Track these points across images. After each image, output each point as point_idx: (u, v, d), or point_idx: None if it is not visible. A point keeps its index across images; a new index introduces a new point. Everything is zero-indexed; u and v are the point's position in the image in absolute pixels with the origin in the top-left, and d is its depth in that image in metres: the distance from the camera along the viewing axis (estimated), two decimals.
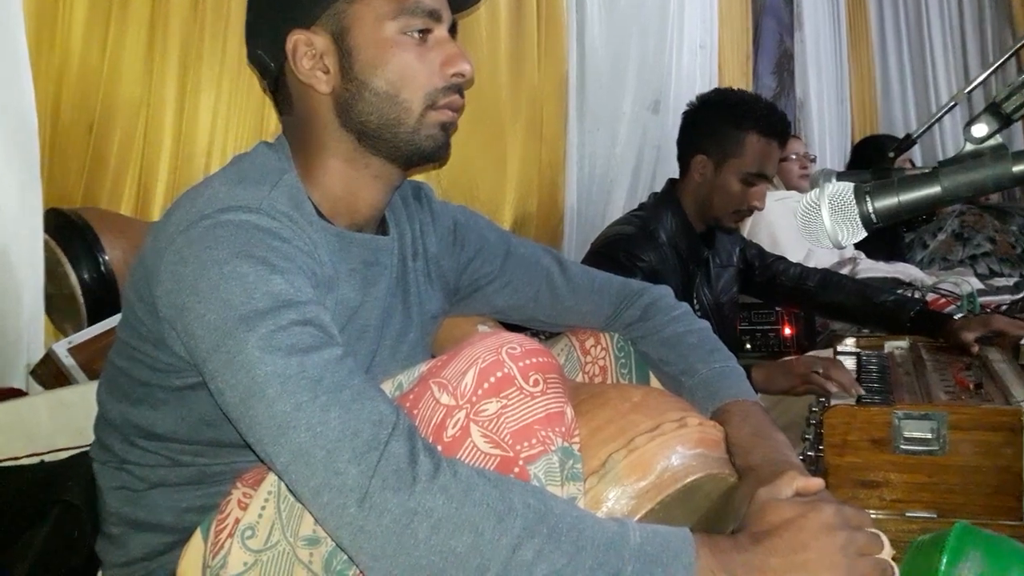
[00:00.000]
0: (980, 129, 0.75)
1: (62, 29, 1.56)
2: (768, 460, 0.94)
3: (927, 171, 0.79)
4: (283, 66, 0.99)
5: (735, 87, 2.61)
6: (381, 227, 1.08)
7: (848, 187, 0.80)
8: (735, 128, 1.87)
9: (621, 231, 1.94)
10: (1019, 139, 4.52)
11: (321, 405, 0.76)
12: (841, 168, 4.52)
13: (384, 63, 0.96)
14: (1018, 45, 0.90)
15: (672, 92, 3.17)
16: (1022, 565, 1.01)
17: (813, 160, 3.33)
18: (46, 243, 1.45)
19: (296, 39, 0.96)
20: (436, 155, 1.01)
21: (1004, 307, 2.29)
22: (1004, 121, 0.74)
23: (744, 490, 0.92)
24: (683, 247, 1.93)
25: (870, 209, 0.79)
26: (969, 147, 0.76)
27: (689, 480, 0.93)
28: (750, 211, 1.92)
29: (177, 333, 0.86)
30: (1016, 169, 0.74)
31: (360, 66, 0.96)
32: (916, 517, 1.29)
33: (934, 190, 0.77)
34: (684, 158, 1.97)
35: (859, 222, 0.79)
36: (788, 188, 3.16)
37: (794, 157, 3.20)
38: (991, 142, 0.75)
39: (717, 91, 2.02)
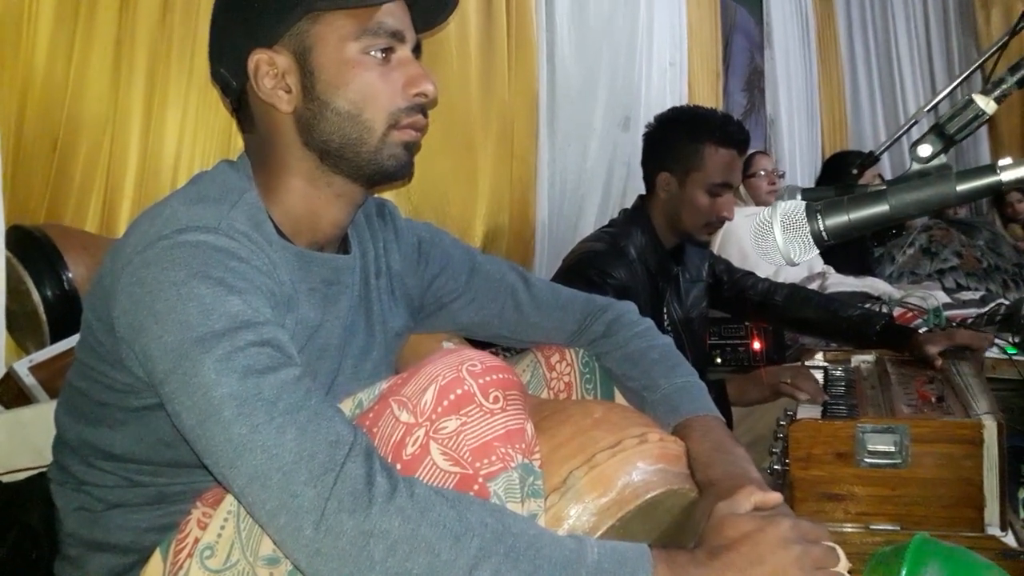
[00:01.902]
0: (925, 149, 0.77)
1: (26, 43, 1.55)
2: (728, 474, 0.95)
3: (876, 190, 0.80)
4: (245, 85, 0.99)
5: (705, 104, 2.64)
6: (343, 245, 1.08)
7: (800, 205, 0.81)
8: (693, 142, 1.91)
9: (592, 248, 1.96)
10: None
11: (277, 427, 0.76)
12: (811, 184, 4.58)
13: (346, 83, 0.96)
14: (979, 61, 0.92)
15: (642, 109, 3.20)
16: None
17: (782, 176, 3.38)
18: (8, 260, 1.43)
19: (258, 58, 0.96)
20: (399, 174, 1.01)
21: (970, 320, 2.33)
22: (948, 141, 0.76)
23: (704, 505, 0.93)
24: (652, 263, 1.95)
25: (821, 227, 0.80)
26: (916, 167, 0.78)
27: (650, 496, 0.93)
28: (720, 222, 1.95)
29: (135, 354, 0.86)
30: (960, 188, 0.75)
31: (322, 86, 0.96)
32: (880, 530, 1.30)
33: (882, 208, 0.78)
34: (649, 178, 2.00)
35: (810, 239, 0.81)
36: (757, 204, 3.20)
37: (763, 173, 3.24)
38: (936, 161, 0.77)
39: (673, 109, 2.05)
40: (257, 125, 1.01)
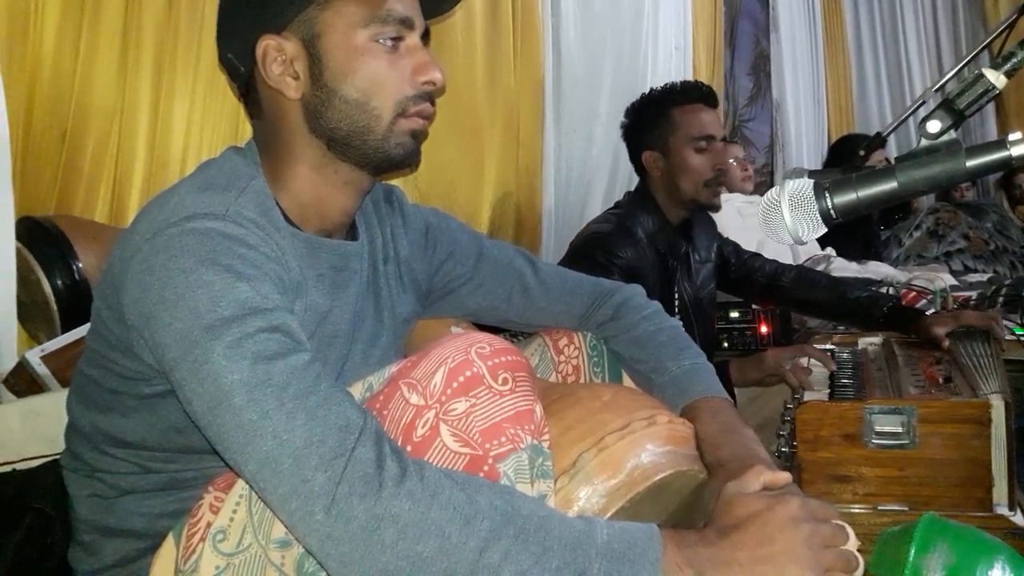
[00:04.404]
0: (934, 125, 0.76)
1: (34, 36, 1.55)
2: (736, 455, 0.95)
3: (885, 167, 0.80)
4: (253, 70, 0.99)
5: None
6: (351, 231, 1.09)
7: (808, 183, 0.81)
8: (660, 113, 1.97)
9: (599, 229, 1.97)
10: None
11: (287, 412, 0.77)
12: (817, 167, 4.56)
13: (354, 71, 0.96)
14: (987, 41, 0.91)
15: None
16: (989, 555, 1.03)
17: (753, 163, 3.43)
18: (19, 251, 1.44)
19: (266, 44, 0.96)
20: (406, 162, 1.01)
21: (973, 301, 2.32)
22: (957, 117, 0.76)
23: (713, 485, 0.93)
24: (662, 242, 1.95)
25: (829, 205, 0.80)
26: (924, 143, 0.78)
27: (659, 477, 0.94)
28: (720, 175, 1.97)
29: (145, 341, 0.86)
30: (969, 164, 0.75)
31: (330, 73, 0.96)
32: (888, 510, 1.31)
33: (891, 185, 0.78)
34: (638, 165, 2.04)
35: (819, 218, 0.81)
36: (731, 191, 3.21)
37: (733, 162, 3.27)
38: (945, 137, 0.76)
39: (636, 100, 2.09)
40: (264, 111, 1.01)
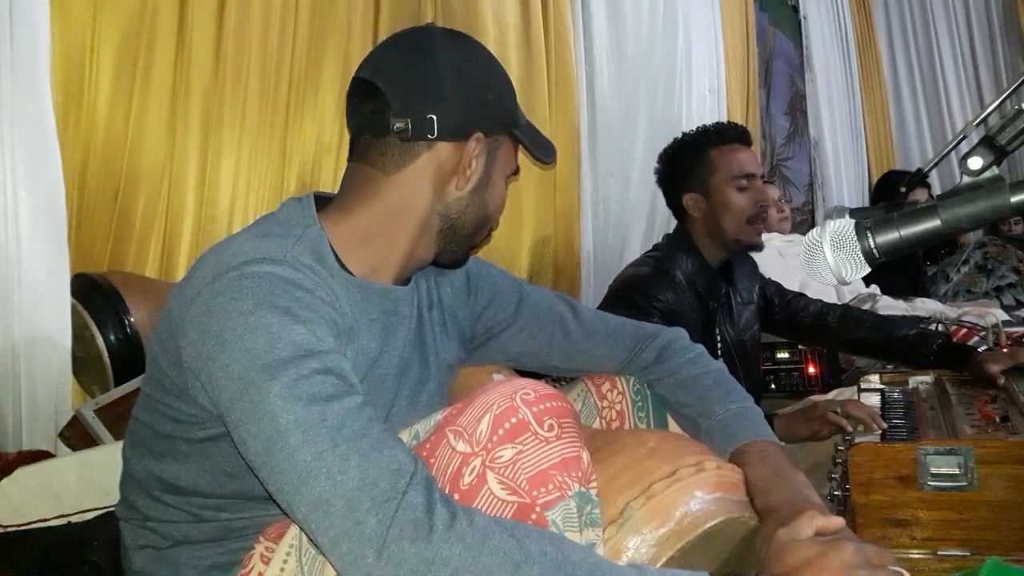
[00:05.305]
0: (976, 162, 0.76)
1: (88, 101, 1.62)
2: (788, 500, 0.93)
3: (927, 205, 0.79)
4: (435, 141, 1.02)
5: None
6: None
7: (849, 223, 0.81)
8: (697, 154, 1.96)
9: (637, 272, 1.96)
10: None
11: (341, 454, 0.78)
12: (858, 204, 4.52)
13: (497, 194, 1.11)
14: None
15: None
16: None
17: (790, 202, 3.41)
18: (73, 307, 1.48)
19: (479, 138, 1.04)
20: (458, 266, 1.16)
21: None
22: (999, 153, 0.75)
23: (764, 532, 0.91)
24: (701, 284, 1.94)
25: (872, 244, 0.80)
26: (967, 179, 0.77)
27: (709, 525, 0.92)
28: (761, 212, 1.95)
29: (201, 383, 0.88)
30: (1014, 199, 0.74)
31: (488, 188, 1.08)
32: (948, 555, 1.26)
33: (934, 223, 0.77)
34: (677, 208, 2.03)
35: (862, 257, 0.80)
36: (768, 231, 3.20)
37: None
38: (988, 174, 0.76)
39: (669, 144, 2.09)
40: (401, 170, 1.03)
